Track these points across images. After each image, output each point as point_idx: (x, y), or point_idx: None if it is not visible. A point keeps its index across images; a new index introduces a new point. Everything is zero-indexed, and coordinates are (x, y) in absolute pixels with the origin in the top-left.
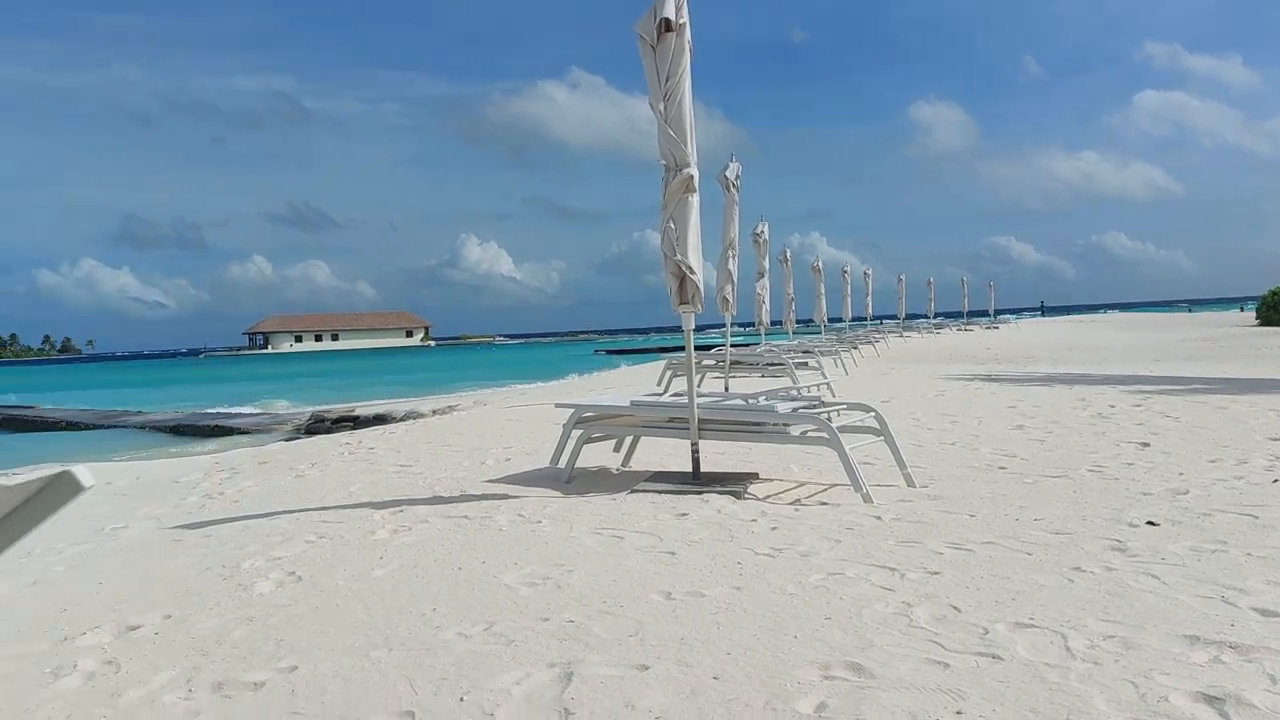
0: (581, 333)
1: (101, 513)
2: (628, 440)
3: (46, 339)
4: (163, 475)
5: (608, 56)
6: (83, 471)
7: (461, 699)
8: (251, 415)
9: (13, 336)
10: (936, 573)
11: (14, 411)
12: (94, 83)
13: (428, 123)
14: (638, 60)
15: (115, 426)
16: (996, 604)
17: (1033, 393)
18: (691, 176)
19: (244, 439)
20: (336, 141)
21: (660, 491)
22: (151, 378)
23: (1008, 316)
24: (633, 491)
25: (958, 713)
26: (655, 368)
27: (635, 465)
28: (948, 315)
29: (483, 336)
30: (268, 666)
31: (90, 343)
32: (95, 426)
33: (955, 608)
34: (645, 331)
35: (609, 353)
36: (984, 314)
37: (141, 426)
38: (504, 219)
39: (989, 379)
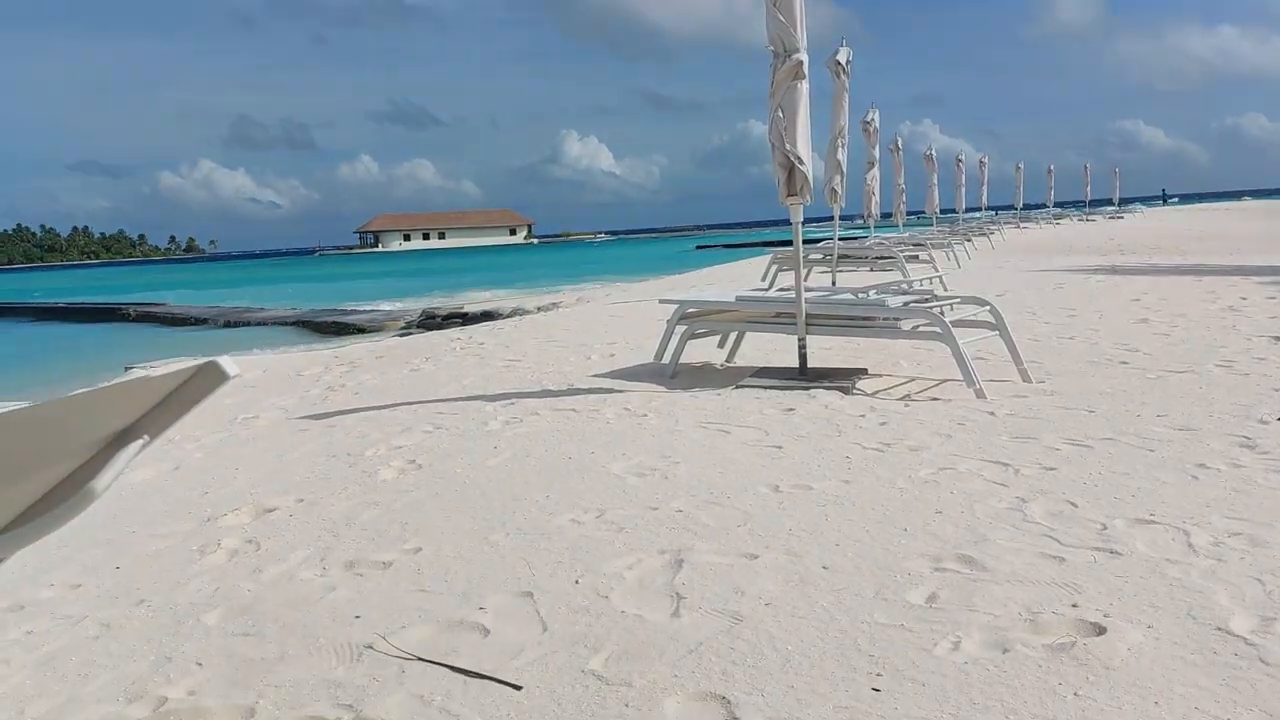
0: (684, 229)
1: (233, 404)
2: (732, 336)
3: (172, 239)
4: (287, 369)
5: None
6: (227, 362)
7: (577, 581)
8: (366, 312)
9: (141, 237)
10: (1052, 469)
11: (146, 308)
12: None
13: (525, 16)
14: None
15: (240, 324)
16: (1115, 500)
17: (1158, 285)
18: (801, 62)
19: (360, 335)
20: (436, 37)
21: (766, 387)
22: (271, 275)
23: (1137, 205)
24: (738, 387)
25: (1073, 605)
26: (759, 262)
27: (739, 361)
28: (1068, 205)
29: (584, 234)
30: (394, 548)
31: (213, 242)
32: (220, 322)
33: (1071, 503)
34: (749, 226)
35: (712, 247)
36: (1108, 203)
37: (263, 323)
38: (603, 113)
39: (1112, 271)
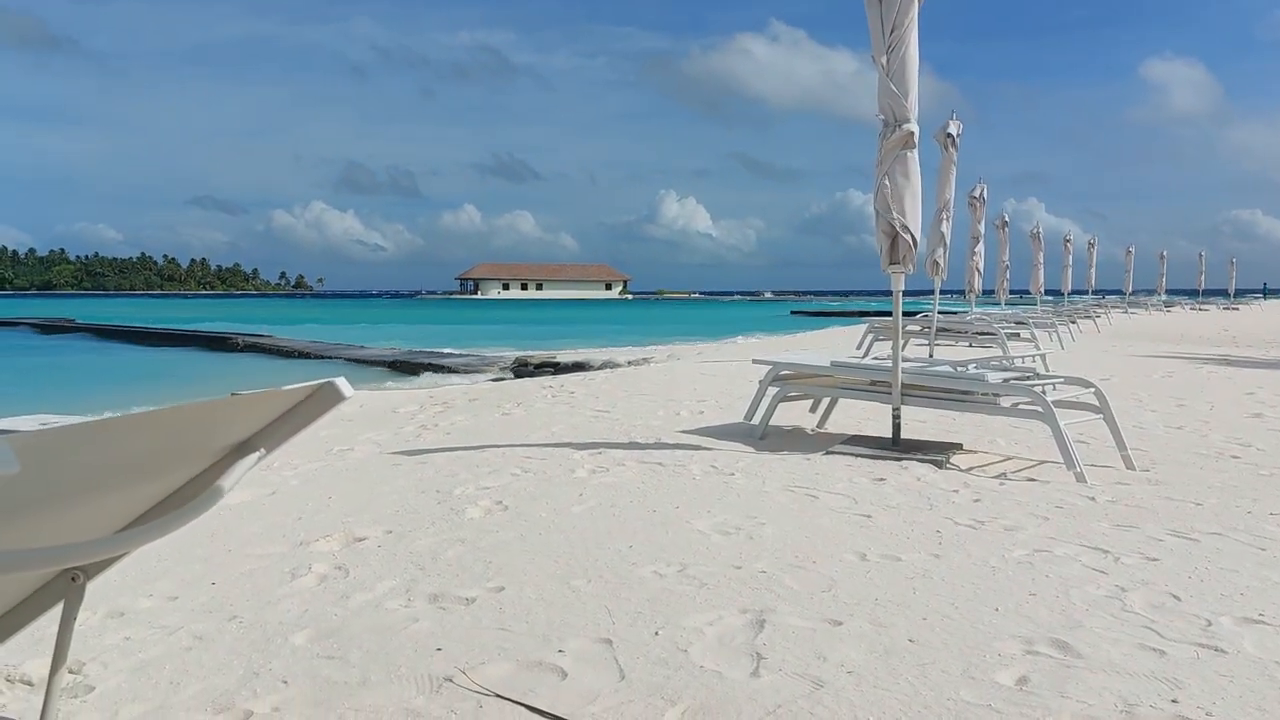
0: (780, 292)
1: (330, 435)
2: (824, 401)
3: (283, 275)
4: (383, 405)
5: (809, 8)
6: (344, 383)
7: (656, 633)
8: (461, 356)
9: (254, 271)
10: (1155, 559)
11: (254, 339)
12: (326, 36)
13: (628, 78)
14: (840, 11)
15: (339, 359)
16: (1222, 597)
17: (1275, 379)
18: (911, 132)
19: (454, 377)
20: (539, 95)
21: (857, 455)
22: (374, 315)
23: (1260, 296)
24: (828, 453)
25: (1173, 700)
26: (855, 330)
27: (831, 428)
28: (1179, 293)
29: (680, 292)
30: (478, 585)
31: (320, 280)
32: (322, 357)
33: (1175, 596)
34: (846, 294)
35: (806, 314)
36: (1221, 293)
37: (363, 360)
38: (701, 175)
39: (1225, 362)
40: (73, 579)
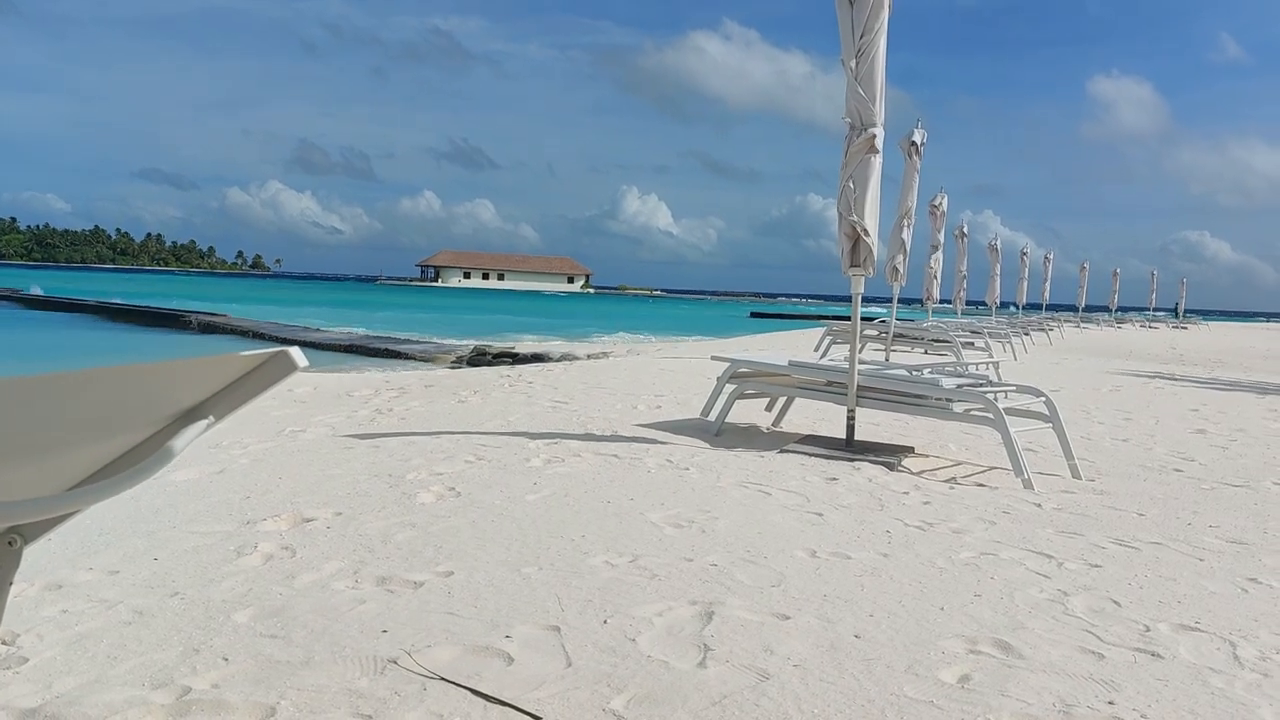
0: (739, 294)
1: (282, 416)
2: (781, 400)
3: (239, 254)
4: (338, 388)
5: (761, 9)
6: (298, 353)
7: (605, 621)
8: (419, 343)
9: (210, 249)
10: (1097, 565)
11: (209, 318)
12: (289, 10)
13: (583, 70)
14: (792, 13)
15: (295, 341)
16: (1160, 604)
17: (1218, 397)
18: (875, 136)
19: (411, 363)
20: (493, 83)
21: (810, 454)
22: (332, 299)
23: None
24: (782, 451)
25: (1110, 703)
26: (813, 334)
27: (786, 427)
28: (1129, 310)
29: (641, 289)
30: (427, 569)
31: (278, 261)
32: (278, 339)
33: (1115, 602)
34: (803, 297)
35: (765, 315)
36: (1170, 312)
37: (319, 344)
38: (661, 172)
39: (1171, 379)
40: (9, 543)
